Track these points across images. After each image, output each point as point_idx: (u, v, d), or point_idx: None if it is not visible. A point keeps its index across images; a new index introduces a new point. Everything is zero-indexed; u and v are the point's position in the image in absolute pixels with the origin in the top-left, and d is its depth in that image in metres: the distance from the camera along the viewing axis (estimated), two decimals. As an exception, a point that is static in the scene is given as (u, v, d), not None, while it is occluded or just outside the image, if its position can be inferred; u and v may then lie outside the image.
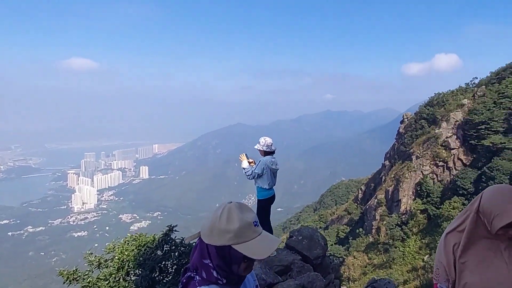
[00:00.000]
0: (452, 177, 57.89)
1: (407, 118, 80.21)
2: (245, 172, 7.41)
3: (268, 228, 7.91)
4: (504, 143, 52.07)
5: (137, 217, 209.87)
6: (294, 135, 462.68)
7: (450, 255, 2.48)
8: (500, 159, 50.23)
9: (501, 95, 57.96)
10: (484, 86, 65.04)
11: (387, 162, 79.69)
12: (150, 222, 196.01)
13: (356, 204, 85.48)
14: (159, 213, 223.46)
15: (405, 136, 74.79)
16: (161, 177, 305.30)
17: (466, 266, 2.39)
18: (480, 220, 2.36)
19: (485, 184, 48.89)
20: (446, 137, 60.47)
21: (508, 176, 47.18)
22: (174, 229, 9.64)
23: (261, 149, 7.52)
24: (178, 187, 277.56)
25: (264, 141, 7.55)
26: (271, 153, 7.64)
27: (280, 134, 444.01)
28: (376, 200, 66.39)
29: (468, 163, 57.42)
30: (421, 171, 61.59)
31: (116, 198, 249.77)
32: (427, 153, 62.31)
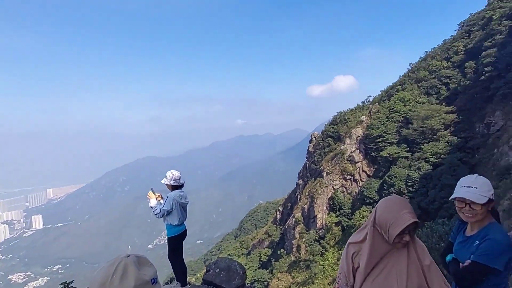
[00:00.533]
0: (359, 189, 62.14)
1: (315, 137, 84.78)
2: (153, 211, 6.98)
3: (180, 266, 7.57)
4: (398, 152, 58.02)
5: (32, 275, 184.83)
6: (208, 163, 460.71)
7: (349, 263, 2.78)
8: (396, 167, 55.45)
9: (391, 110, 65.01)
10: (377, 103, 72.50)
11: (300, 181, 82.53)
12: (49, 278, 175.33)
13: (275, 225, 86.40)
14: (60, 266, 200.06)
15: (315, 154, 78.61)
16: (59, 225, 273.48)
17: (361, 273, 2.64)
18: (377, 231, 2.61)
19: (387, 191, 53.44)
20: (351, 152, 65.29)
21: (404, 182, 52.12)
22: (70, 285, 7.64)
23: (169, 183, 7.15)
24: (81, 234, 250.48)
25: (172, 175, 7.17)
26: (179, 186, 7.29)
27: (194, 163, 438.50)
28: (293, 219, 67.68)
29: (371, 174, 62.50)
30: (332, 186, 64.85)
31: (3, 257, 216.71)
32: (335, 169, 66.09)
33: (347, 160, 64.87)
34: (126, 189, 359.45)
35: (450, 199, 3.19)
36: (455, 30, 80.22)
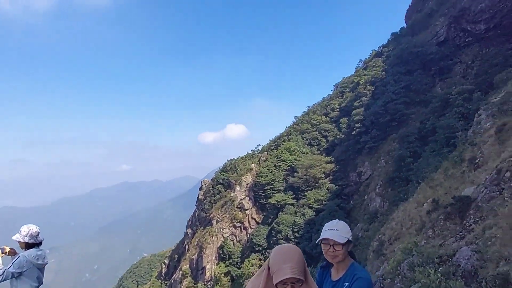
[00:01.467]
0: (248, 236, 62.55)
1: (205, 184, 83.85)
2: None
3: None
4: (285, 199, 60.96)
5: None
6: (85, 212, 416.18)
7: None
8: (283, 213, 57.82)
9: (279, 159, 69.08)
10: (266, 152, 76.39)
11: (189, 230, 79.53)
12: None
13: (160, 280, 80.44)
14: None
15: (205, 202, 77.29)
16: None
17: None
18: (270, 275, 2.68)
19: (275, 238, 54.85)
20: (241, 199, 66.26)
21: (291, 228, 54.45)
22: None
23: (22, 240, 5.78)
24: None
25: (28, 230, 5.84)
26: (37, 244, 5.93)
27: (67, 213, 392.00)
28: (180, 272, 64.02)
29: (260, 221, 63.84)
30: (222, 234, 63.93)
31: None
32: (225, 216, 65.74)
33: (237, 207, 65.48)
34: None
35: (317, 241, 3.59)
36: (331, 90, 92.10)
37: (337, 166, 61.45)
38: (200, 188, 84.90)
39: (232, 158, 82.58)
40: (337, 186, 57.94)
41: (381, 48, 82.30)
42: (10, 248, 5.93)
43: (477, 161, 25.60)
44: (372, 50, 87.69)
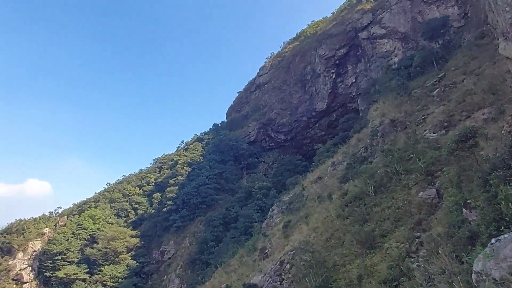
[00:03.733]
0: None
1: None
2: None
3: None
4: (77, 273, 54.26)
5: None
6: None
7: None
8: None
9: (79, 226, 62.40)
10: (66, 217, 67.84)
11: None
12: None
13: None
14: None
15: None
16: None
17: None
18: None
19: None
20: (20, 270, 55.13)
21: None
22: None
23: None
24: None
25: None
26: None
27: None
28: None
29: (38, 299, 53.88)
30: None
31: None
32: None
33: (13, 279, 53.98)
34: None
35: None
36: (150, 163, 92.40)
37: (142, 242, 60.01)
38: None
39: (22, 218, 69.11)
40: (137, 263, 55.85)
41: (203, 134, 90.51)
42: None
43: (266, 251, 30.64)
44: (194, 134, 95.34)
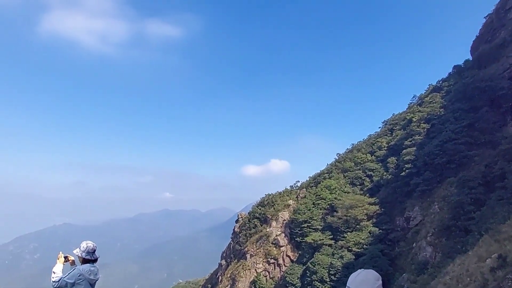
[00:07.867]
0: (282, 274, 58.64)
1: (242, 217, 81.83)
2: (52, 278, 5.95)
3: None
4: (322, 239, 56.34)
5: None
6: (129, 235, 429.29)
7: None
8: (320, 254, 53.23)
9: (318, 196, 65.13)
10: (305, 189, 72.74)
11: (223, 262, 77.61)
12: None
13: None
14: None
15: (240, 235, 74.94)
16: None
17: None
18: None
19: (309, 278, 50.58)
20: (276, 235, 62.93)
21: (327, 270, 49.71)
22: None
23: (80, 255, 6.20)
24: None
25: (86, 246, 6.22)
26: (92, 261, 6.28)
27: (114, 234, 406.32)
28: (211, 303, 61.34)
29: (295, 259, 59.62)
30: (255, 269, 61.12)
31: None
32: (260, 251, 62.62)
33: (272, 243, 62.33)
34: (35, 257, 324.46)
35: None
36: (379, 127, 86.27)
37: (382, 209, 56.16)
38: (237, 221, 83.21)
39: (270, 193, 79.95)
40: (380, 230, 52.48)
41: (440, 82, 76.81)
42: (72, 259, 6.37)
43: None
44: (429, 85, 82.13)
